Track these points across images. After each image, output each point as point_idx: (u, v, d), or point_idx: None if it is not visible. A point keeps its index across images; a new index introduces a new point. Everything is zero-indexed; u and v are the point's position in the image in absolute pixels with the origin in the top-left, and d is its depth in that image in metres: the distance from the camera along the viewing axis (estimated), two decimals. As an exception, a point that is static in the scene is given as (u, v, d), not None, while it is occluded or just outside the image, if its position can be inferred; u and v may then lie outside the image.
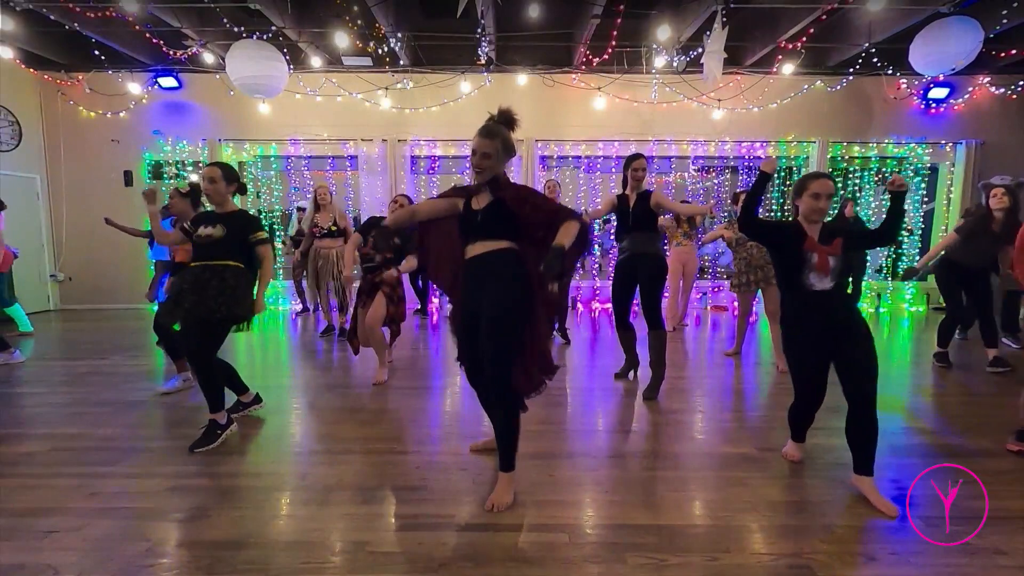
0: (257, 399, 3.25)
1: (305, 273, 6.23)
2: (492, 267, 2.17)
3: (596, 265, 7.63)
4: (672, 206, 3.72)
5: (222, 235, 2.80)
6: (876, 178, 7.45)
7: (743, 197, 4.55)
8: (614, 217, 3.80)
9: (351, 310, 4.31)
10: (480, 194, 2.26)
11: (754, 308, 4.77)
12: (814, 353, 2.33)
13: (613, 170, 7.41)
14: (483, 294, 2.14)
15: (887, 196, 7.61)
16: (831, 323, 2.29)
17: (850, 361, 2.25)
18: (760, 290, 4.37)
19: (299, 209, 6.80)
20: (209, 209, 2.97)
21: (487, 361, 2.13)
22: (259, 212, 7.53)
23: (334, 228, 5.26)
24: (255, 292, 2.91)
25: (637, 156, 3.62)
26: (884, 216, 2.37)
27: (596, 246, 7.56)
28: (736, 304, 4.80)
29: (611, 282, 3.73)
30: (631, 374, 3.99)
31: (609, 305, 7.59)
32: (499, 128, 2.21)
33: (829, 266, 2.29)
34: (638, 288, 3.62)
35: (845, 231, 2.38)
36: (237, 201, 2.97)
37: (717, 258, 7.57)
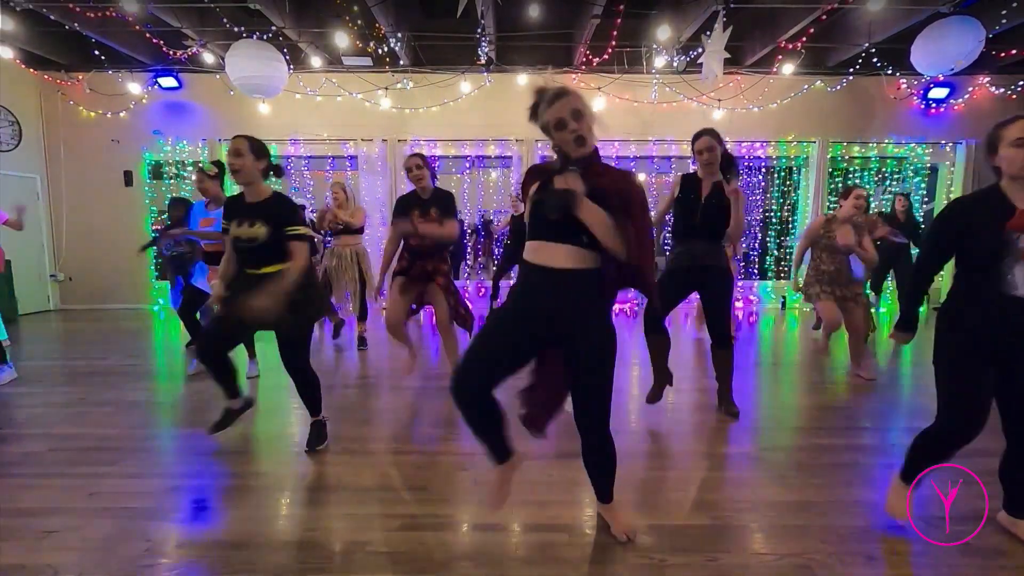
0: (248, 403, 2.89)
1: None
2: (584, 290, 1.70)
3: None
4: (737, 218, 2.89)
5: (266, 236, 2.43)
6: (876, 178, 7.46)
7: (858, 195, 3.66)
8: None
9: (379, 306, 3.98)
10: (568, 175, 1.72)
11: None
12: (984, 372, 1.75)
13: (613, 170, 7.39)
14: (570, 322, 1.68)
15: (888, 196, 7.56)
16: (1018, 340, 1.70)
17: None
18: (840, 306, 3.73)
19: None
20: (234, 193, 2.60)
21: (589, 402, 1.75)
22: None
23: (339, 226, 4.91)
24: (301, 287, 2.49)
25: (701, 134, 2.95)
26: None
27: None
28: (819, 314, 3.94)
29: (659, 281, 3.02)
30: (666, 394, 3.32)
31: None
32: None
33: None
34: (700, 300, 3.07)
35: None
36: (273, 186, 2.65)
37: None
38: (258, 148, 2.50)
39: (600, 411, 1.77)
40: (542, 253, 1.69)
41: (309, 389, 2.68)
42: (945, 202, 7.48)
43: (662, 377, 3.21)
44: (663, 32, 6.09)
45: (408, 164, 3.51)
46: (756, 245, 7.61)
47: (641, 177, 7.84)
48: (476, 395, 1.69)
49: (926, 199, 7.62)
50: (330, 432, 2.85)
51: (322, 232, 5.11)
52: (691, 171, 3.02)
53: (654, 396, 3.24)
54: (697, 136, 2.96)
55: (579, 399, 1.77)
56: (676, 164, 7.52)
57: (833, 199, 7.25)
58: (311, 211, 6.92)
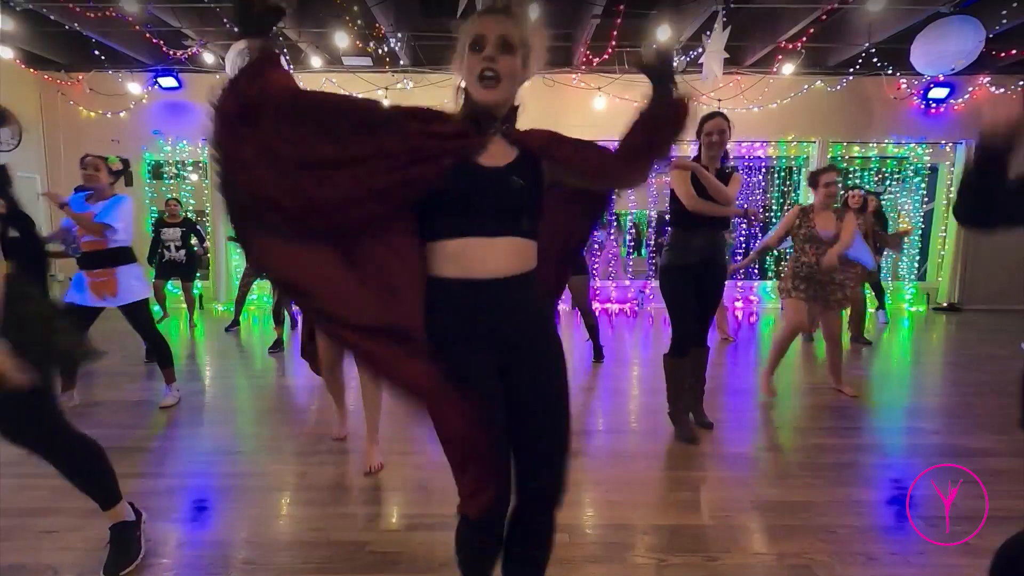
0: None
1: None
2: (528, 299, 1.20)
3: (595, 266, 7.62)
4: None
5: None
6: (876, 178, 7.46)
7: (826, 181, 3.29)
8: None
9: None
10: (489, 140, 1.17)
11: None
12: None
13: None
14: (521, 347, 1.19)
15: (889, 196, 7.55)
16: None
17: None
18: (819, 307, 3.40)
19: None
20: None
21: (546, 455, 1.21)
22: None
23: None
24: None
25: (715, 114, 2.68)
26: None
27: (597, 245, 7.56)
28: (784, 312, 3.55)
29: (668, 287, 2.77)
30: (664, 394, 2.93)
31: (611, 305, 7.58)
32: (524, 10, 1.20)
33: None
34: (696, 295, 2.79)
35: None
36: None
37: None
38: None
39: (559, 470, 1.22)
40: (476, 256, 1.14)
41: (83, 471, 1.73)
42: (945, 203, 7.49)
43: (691, 405, 2.85)
44: (663, 32, 6.08)
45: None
46: (756, 245, 7.61)
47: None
48: (502, 527, 1.21)
49: (926, 199, 7.63)
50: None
51: None
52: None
53: (686, 434, 2.77)
54: (709, 117, 2.70)
55: (534, 451, 1.21)
56: (676, 164, 7.50)
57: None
58: None
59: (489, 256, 1.13)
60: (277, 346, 4.89)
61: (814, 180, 3.45)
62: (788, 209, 7.73)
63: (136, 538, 1.81)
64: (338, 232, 1.10)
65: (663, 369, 2.88)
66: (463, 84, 1.17)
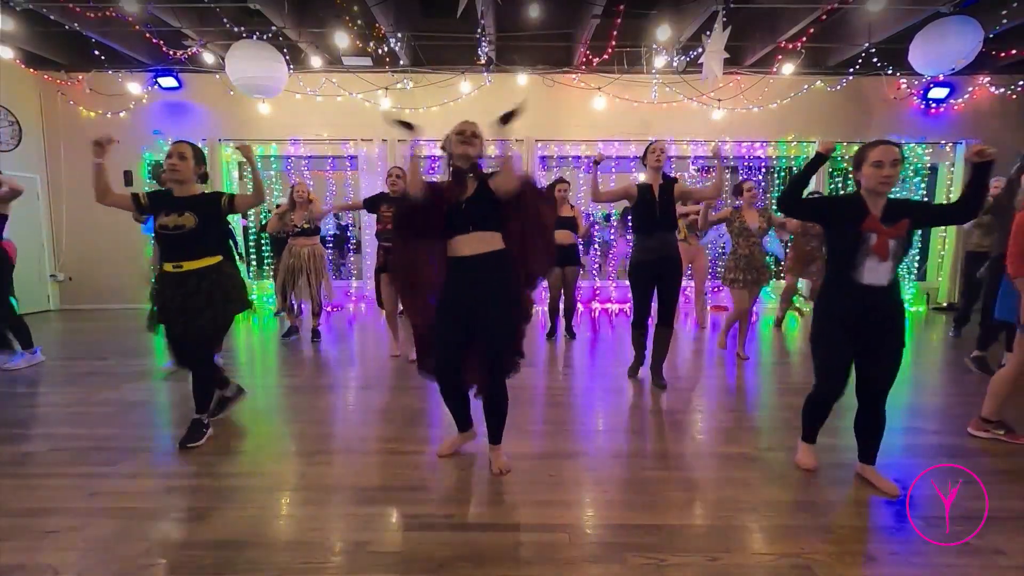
0: (240, 390, 3.18)
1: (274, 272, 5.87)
2: (491, 266, 2.33)
3: (596, 265, 7.62)
4: (698, 192, 3.87)
5: (194, 225, 2.62)
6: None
7: (748, 187, 4.43)
8: (616, 210, 3.79)
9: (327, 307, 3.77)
10: (467, 184, 2.39)
11: (754, 308, 4.60)
12: (846, 347, 2.18)
13: (613, 170, 7.40)
14: (483, 295, 2.28)
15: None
16: (873, 319, 2.14)
17: (878, 360, 2.17)
18: (750, 289, 4.40)
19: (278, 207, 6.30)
20: (163, 189, 2.77)
21: (491, 349, 2.30)
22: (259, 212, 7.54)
23: (307, 226, 5.03)
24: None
25: (657, 141, 3.63)
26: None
27: (596, 244, 7.56)
28: (732, 299, 4.57)
29: (633, 278, 3.64)
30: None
31: (611, 305, 7.58)
32: None
33: (888, 250, 2.06)
34: (657, 290, 3.62)
35: (915, 209, 2.13)
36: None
37: (717, 251, 7.47)
38: (199, 154, 2.73)
39: (499, 358, 2.33)
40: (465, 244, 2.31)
41: (207, 386, 2.83)
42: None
43: (641, 358, 3.94)
44: (663, 32, 6.09)
45: (392, 170, 4.53)
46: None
47: (641, 177, 7.83)
48: (453, 377, 2.42)
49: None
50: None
51: (289, 232, 5.07)
52: (639, 180, 3.67)
53: (635, 370, 3.97)
54: (655, 141, 3.63)
55: (484, 342, 2.31)
56: (676, 164, 7.52)
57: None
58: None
59: (466, 244, 2.31)
60: (291, 332, 5.35)
61: (738, 189, 4.51)
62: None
63: (205, 426, 2.81)
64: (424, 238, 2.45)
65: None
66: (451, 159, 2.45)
